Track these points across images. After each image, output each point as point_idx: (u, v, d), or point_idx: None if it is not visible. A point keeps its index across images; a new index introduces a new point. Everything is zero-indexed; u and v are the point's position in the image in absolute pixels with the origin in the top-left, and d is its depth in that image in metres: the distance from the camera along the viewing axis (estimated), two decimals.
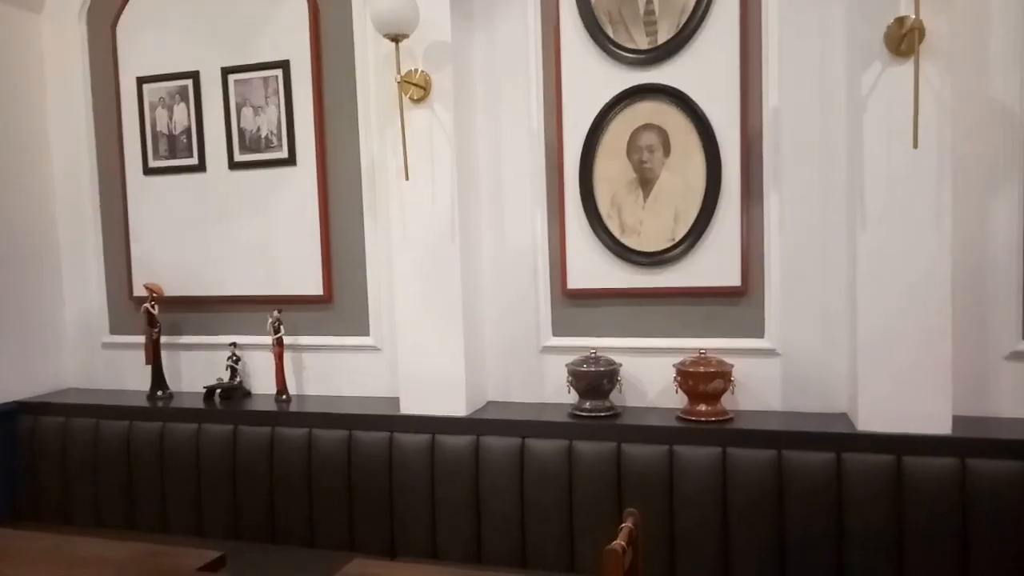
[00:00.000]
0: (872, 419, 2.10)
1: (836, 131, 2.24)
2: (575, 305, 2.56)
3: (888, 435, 2.06)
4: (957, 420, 2.07)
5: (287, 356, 2.82)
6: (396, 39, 2.27)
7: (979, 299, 2.18)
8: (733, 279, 2.38)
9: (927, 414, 2.05)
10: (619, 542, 1.26)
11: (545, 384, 2.60)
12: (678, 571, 2.20)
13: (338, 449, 2.53)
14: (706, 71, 2.34)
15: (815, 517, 2.09)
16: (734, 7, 2.30)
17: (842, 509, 2.07)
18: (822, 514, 2.08)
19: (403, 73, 2.36)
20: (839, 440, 2.10)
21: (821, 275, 2.30)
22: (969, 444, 2.00)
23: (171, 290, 2.97)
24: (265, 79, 2.81)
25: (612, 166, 2.45)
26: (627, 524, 1.33)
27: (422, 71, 2.40)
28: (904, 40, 1.96)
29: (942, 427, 2.04)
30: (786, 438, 2.14)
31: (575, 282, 2.53)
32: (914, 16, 1.92)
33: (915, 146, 1.95)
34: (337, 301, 2.81)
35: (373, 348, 2.76)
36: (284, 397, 2.78)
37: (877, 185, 2.05)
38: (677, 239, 2.41)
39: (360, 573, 1.78)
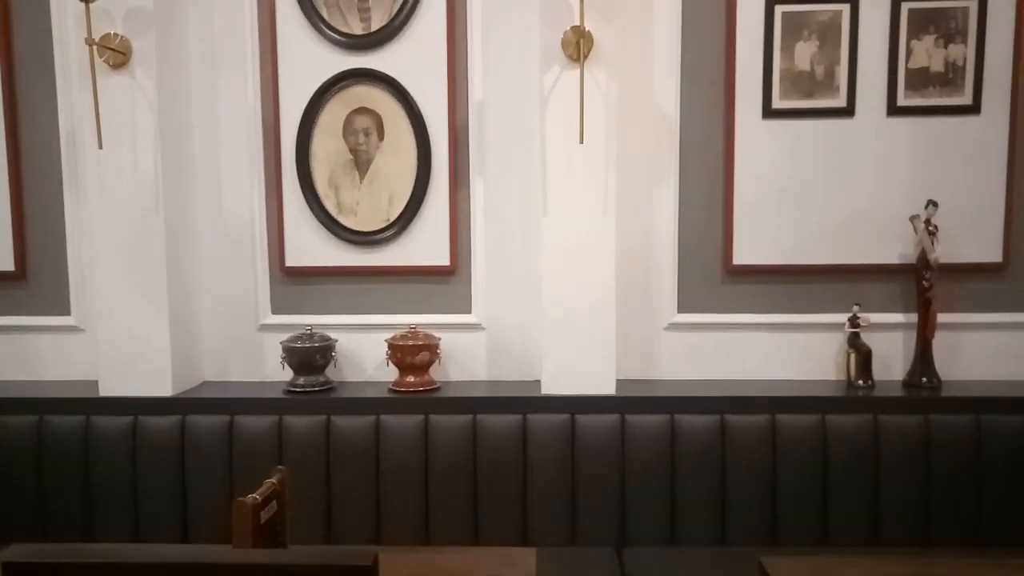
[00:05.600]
0: (553, 383, 2.36)
1: (531, 125, 2.46)
2: (294, 283, 2.58)
3: (565, 397, 2.33)
4: (621, 382, 2.39)
5: None
6: None
7: (645, 277, 2.51)
8: (443, 259, 2.53)
9: (596, 377, 2.34)
10: (252, 495, 1.32)
11: (264, 362, 2.59)
12: (383, 533, 2.32)
13: (26, 436, 2.34)
14: (417, 61, 2.46)
15: (504, 472, 2.29)
16: (441, 2, 2.44)
17: (526, 464, 2.30)
18: (510, 469, 2.29)
19: (99, 36, 2.23)
20: (525, 403, 2.33)
21: (521, 255, 2.53)
22: (627, 402, 2.32)
23: None
24: None
25: (329, 146, 2.50)
26: (271, 480, 1.40)
27: (122, 36, 2.28)
28: (576, 46, 2.21)
29: (607, 388, 2.34)
30: (480, 403, 2.34)
31: (293, 260, 2.55)
32: (581, 25, 2.18)
33: (581, 141, 2.22)
34: (33, 277, 2.58)
35: (75, 328, 2.58)
36: None
37: (556, 175, 2.30)
38: (392, 220, 2.52)
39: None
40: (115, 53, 2.27)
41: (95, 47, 2.21)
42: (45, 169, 2.54)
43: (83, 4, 2.16)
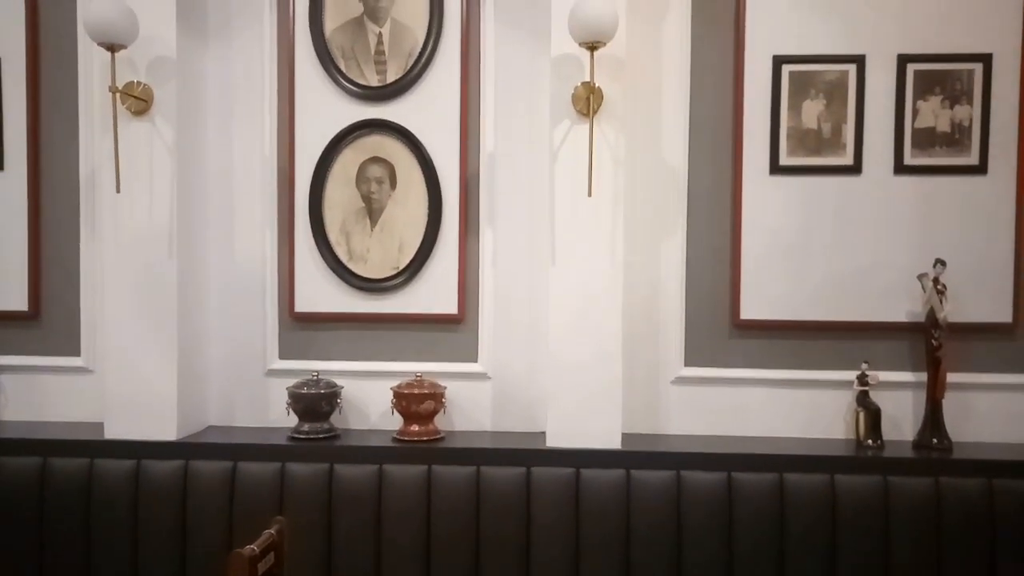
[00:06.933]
0: (558, 436, 2.34)
1: (540, 177, 2.49)
2: (302, 328, 2.59)
3: (569, 450, 2.30)
4: (627, 436, 2.37)
5: None
6: (112, 48, 2.21)
7: (652, 330, 2.51)
8: (451, 307, 2.54)
9: (601, 431, 2.31)
10: (250, 547, 1.31)
11: (270, 408, 2.59)
12: None
13: (29, 478, 2.34)
14: (431, 113, 2.51)
15: (507, 527, 2.26)
16: (455, 57, 2.50)
17: (530, 518, 2.27)
18: (513, 523, 2.26)
19: (123, 84, 2.30)
20: (529, 456, 2.31)
21: (528, 306, 2.53)
22: (633, 457, 2.29)
23: None
24: None
25: (342, 194, 2.54)
26: (269, 531, 1.38)
27: (144, 84, 2.35)
28: (586, 102, 2.26)
29: (612, 442, 2.32)
30: (484, 455, 2.32)
31: (303, 305, 2.57)
32: (591, 81, 2.22)
33: (589, 194, 2.25)
34: (46, 317, 2.61)
35: (84, 369, 2.59)
36: None
37: (564, 226, 2.32)
38: (401, 267, 2.54)
39: None
40: (137, 100, 2.33)
41: (118, 94, 2.28)
42: (64, 211, 2.59)
43: (108, 53, 2.23)
